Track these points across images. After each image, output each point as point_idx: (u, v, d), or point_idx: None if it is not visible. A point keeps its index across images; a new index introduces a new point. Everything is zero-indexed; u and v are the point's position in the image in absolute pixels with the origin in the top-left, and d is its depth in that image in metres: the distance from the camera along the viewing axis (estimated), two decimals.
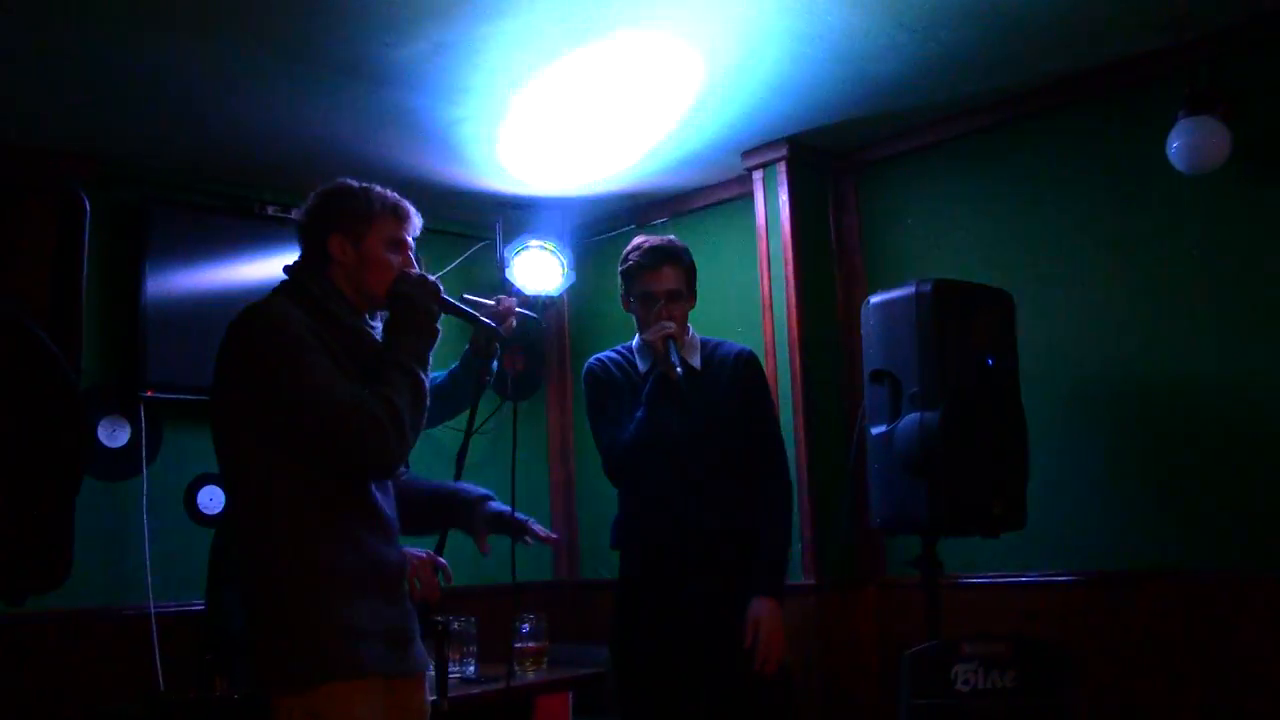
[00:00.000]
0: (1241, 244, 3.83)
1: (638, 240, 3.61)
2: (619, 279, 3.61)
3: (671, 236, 3.64)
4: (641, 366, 3.59)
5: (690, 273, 3.59)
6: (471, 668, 4.16)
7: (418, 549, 2.78)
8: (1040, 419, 3.84)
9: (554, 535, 2.97)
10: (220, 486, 4.07)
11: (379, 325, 2.60)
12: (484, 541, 2.81)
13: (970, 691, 3.47)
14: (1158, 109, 3.89)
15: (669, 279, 3.52)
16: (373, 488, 2.51)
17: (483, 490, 2.85)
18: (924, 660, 3.52)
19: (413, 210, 2.64)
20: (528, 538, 2.86)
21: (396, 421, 2.38)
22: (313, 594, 2.35)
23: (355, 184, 2.60)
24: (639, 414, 3.46)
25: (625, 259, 3.58)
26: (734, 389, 3.55)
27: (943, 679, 3.48)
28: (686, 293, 3.56)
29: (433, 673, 2.89)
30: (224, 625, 3.62)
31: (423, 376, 2.48)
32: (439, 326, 2.58)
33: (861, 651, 4.57)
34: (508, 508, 2.82)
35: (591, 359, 3.69)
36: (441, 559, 2.78)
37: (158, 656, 4.20)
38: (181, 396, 4.41)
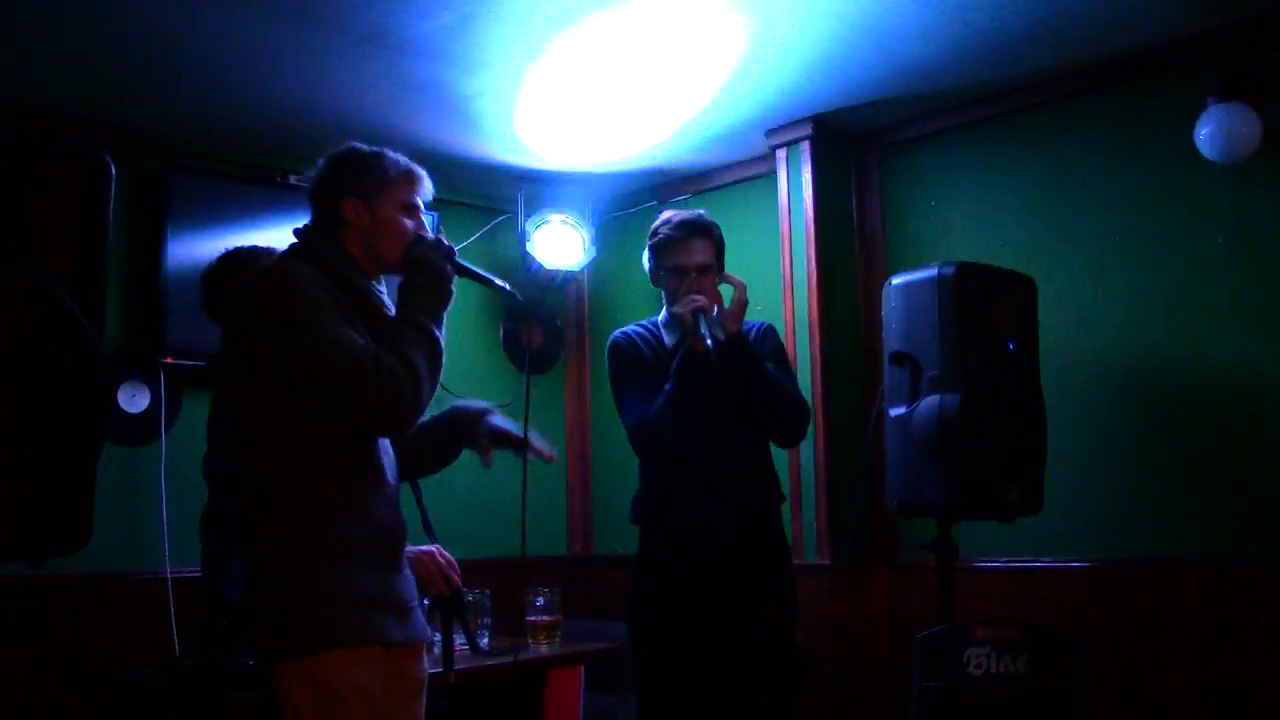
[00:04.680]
0: (1269, 234, 3.80)
1: (667, 214, 3.60)
2: (647, 252, 3.59)
3: (701, 210, 3.62)
4: (668, 341, 3.58)
5: (720, 247, 3.58)
6: (484, 640, 4.17)
7: (425, 546, 2.78)
8: (1059, 405, 3.83)
9: (553, 454, 2.87)
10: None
11: (384, 290, 2.60)
12: (488, 455, 2.76)
13: (982, 675, 3.47)
14: (1187, 95, 3.85)
15: (700, 252, 3.51)
16: (379, 453, 2.52)
17: (482, 404, 2.80)
18: (936, 643, 3.52)
19: (424, 174, 2.64)
20: (529, 453, 2.79)
21: (414, 377, 2.38)
22: (318, 560, 2.36)
23: (367, 148, 2.59)
24: (668, 387, 3.45)
25: (655, 232, 3.57)
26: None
27: (955, 662, 3.48)
28: (716, 267, 3.55)
29: (438, 643, 2.90)
30: (222, 593, 3.62)
31: (438, 335, 2.48)
32: (453, 289, 2.57)
33: (874, 633, 4.58)
34: (510, 423, 2.78)
35: (617, 332, 3.68)
36: (447, 554, 2.77)
37: (174, 621, 4.23)
38: (201, 363, 4.42)
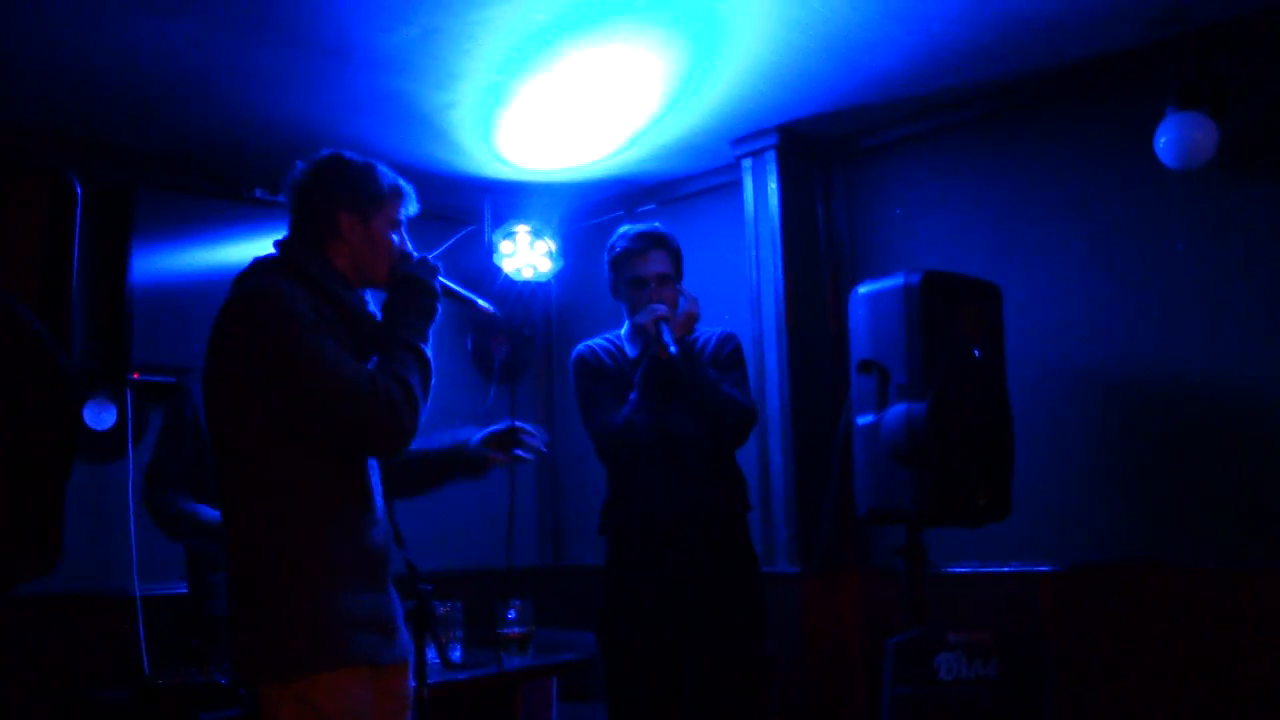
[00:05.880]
0: (1228, 239, 3.85)
1: (623, 228, 3.64)
2: (607, 268, 3.62)
3: (656, 222, 3.67)
4: (631, 352, 3.61)
5: (677, 257, 3.61)
6: (456, 653, 4.16)
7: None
8: (1026, 411, 3.86)
9: (545, 440, 2.95)
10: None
11: (369, 301, 2.60)
12: (492, 461, 2.82)
13: (953, 681, 3.49)
14: (1147, 103, 3.89)
15: (658, 262, 3.55)
16: (369, 473, 2.51)
17: (462, 434, 2.85)
18: (907, 649, 3.54)
19: (411, 190, 2.64)
20: (523, 451, 2.85)
21: (411, 399, 2.39)
22: (306, 582, 2.35)
23: (358, 159, 2.58)
24: (633, 397, 3.47)
25: (613, 247, 3.61)
26: (714, 368, 3.58)
27: (926, 667, 3.50)
28: (675, 276, 3.58)
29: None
30: (207, 609, 3.62)
31: (429, 355, 2.49)
32: (439, 307, 2.58)
33: (845, 639, 4.59)
34: (496, 426, 2.84)
35: (580, 346, 3.71)
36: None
37: (143, 640, 4.19)
38: (168, 379, 4.38)
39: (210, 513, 3.60)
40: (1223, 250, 3.86)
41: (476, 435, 2.84)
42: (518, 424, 2.85)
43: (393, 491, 2.66)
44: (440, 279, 2.60)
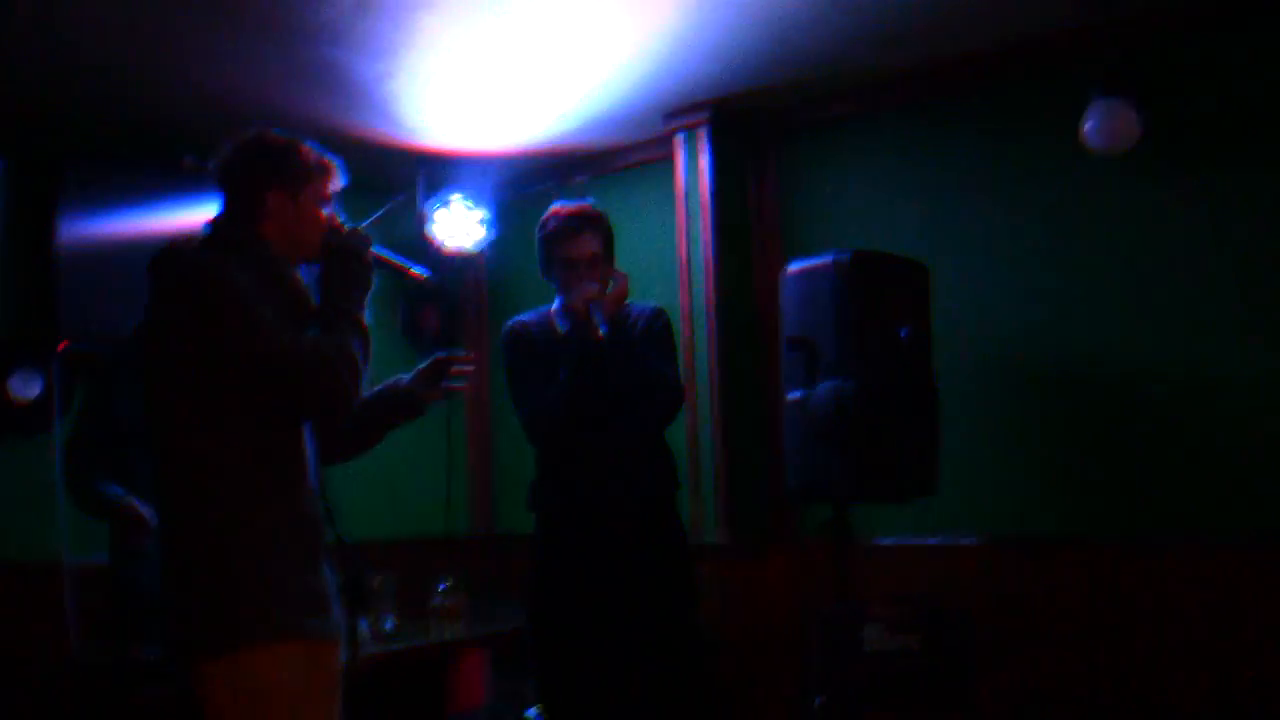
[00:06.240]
0: (1150, 222, 3.94)
1: (555, 207, 3.63)
2: (538, 245, 3.62)
3: (589, 201, 3.66)
4: (561, 329, 3.62)
5: (609, 237, 3.62)
6: (389, 624, 4.18)
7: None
8: (952, 388, 3.93)
9: (472, 356, 2.97)
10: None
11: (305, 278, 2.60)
12: (438, 393, 2.83)
13: (877, 653, 3.57)
14: (1075, 88, 3.95)
15: (589, 244, 3.55)
16: (305, 444, 2.51)
17: (390, 381, 2.85)
18: (833, 622, 3.61)
19: (338, 165, 2.65)
20: (456, 380, 2.87)
21: (351, 365, 2.41)
22: (243, 555, 2.34)
23: (282, 136, 2.58)
24: (563, 376, 3.49)
25: (544, 225, 3.60)
26: (644, 346, 3.60)
27: (851, 640, 3.57)
28: (605, 256, 3.59)
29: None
30: (136, 582, 3.60)
31: (367, 323, 2.51)
32: (374, 276, 2.60)
33: (773, 612, 4.65)
34: (423, 363, 2.85)
35: (510, 321, 3.71)
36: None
37: (71, 616, 4.15)
38: (97, 349, 4.33)
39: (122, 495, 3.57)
40: (1145, 233, 3.94)
41: (405, 378, 2.84)
42: (441, 354, 2.86)
43: (335, 454, 2.68)
44: (373, 249, 2.61)
